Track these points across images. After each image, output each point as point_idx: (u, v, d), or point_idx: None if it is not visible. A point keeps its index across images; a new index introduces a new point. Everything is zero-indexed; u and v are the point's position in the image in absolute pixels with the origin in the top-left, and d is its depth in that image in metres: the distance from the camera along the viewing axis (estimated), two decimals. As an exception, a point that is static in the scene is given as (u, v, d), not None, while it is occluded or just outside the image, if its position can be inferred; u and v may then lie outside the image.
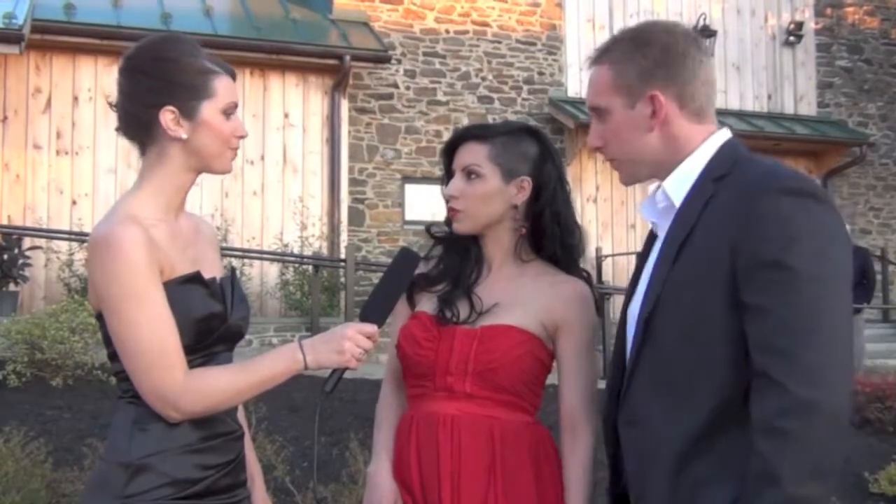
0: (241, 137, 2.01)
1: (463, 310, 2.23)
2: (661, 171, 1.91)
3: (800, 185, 1.73)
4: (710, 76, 1.91)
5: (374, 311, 1.99)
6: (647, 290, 1.86)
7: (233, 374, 1.92)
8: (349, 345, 1.91)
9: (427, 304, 2.29)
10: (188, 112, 1.93)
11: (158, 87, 1.93)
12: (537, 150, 2.30)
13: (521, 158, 2.27)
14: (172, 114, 1.93)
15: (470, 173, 2.26)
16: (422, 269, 2.29)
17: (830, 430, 1.61)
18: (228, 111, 1.98)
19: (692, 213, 1.81)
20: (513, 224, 2.29)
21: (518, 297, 2.24)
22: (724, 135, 1.90)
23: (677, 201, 1.86)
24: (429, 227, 2.42)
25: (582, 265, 2.35)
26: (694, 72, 1.87)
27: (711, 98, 1.91)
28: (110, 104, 2.04)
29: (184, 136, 1.94)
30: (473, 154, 2.26)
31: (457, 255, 2.31)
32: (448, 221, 2.35)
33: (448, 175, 2.35)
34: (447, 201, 2.29)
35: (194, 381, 1.87)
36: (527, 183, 2.26)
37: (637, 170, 1.96)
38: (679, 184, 1.87)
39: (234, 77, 2.02)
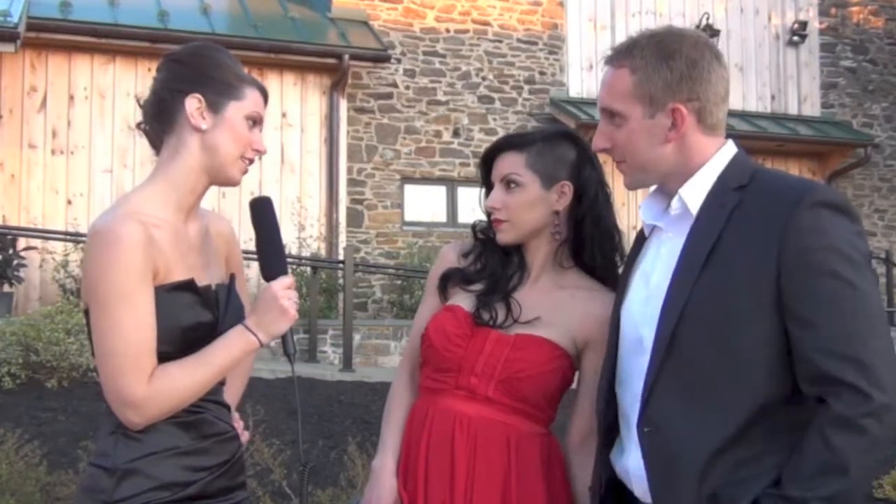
0: (259, 152, 2.01)
1: (501, 313, 2.22)
2: (669, 179, 1.93)
3: (834, 198, 1.79)
4: (728, 91, 1.94)
5: (276, 264, 2.01)
6: (668, 297, 1.85)
7: (191, 370, 1.88)
8: (286, 302, 1.94)
9: (463, 300, 2.28)
10: (214, 105, 1.95)
11: (191, 76, 1.96)
12: (575, 154, 2.28)
13: (560, 163, 2.26)
14: (199, 102, 1.94)
15: (510, 182, 2.25)
16: (459, 264, 2.32)
17: (892, 431, 1.73)
18: (253, 119, 1.99)
19: (716, 222, 1.83)
20: (555, 230, 2.27)
21: (555, 310, 2.23)
22: (733, 146, 1.94)
23: (694, 209, 1.88)
24: (474, 225, 2.41)
25: None
26: (716, 88, 1.90)
27: (725, 112, 1.94)
28: (137, 101, 2.07)
29: (204, 126, 1.94)
30: (511, 163, 2.26)
31: (498, 258, 2.30)
32: (489, 226, 2.35)
33: (486, 186, 2.35)
34: (489, 214, 2.30)
35: (156, 384, 1.83)
36: (567, 188, 2.26)
37: (645, 177, 1.97)
38: (695, 192, 1.89)
39: (265, 97, 2.04)
